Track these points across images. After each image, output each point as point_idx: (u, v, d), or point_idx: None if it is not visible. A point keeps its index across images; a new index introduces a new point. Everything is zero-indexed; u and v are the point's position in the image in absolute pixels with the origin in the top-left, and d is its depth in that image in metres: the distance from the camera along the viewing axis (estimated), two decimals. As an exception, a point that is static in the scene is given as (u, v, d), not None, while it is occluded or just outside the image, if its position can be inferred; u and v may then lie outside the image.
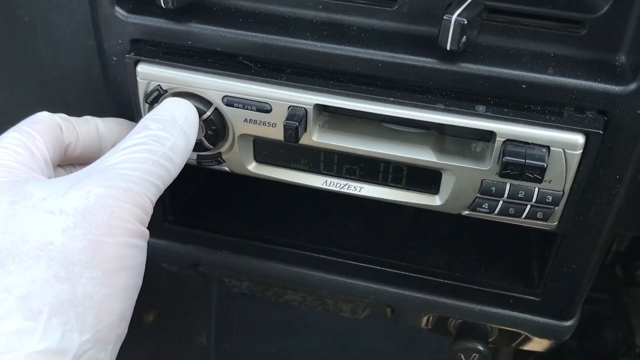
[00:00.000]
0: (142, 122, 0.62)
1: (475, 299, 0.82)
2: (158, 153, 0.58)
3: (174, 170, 0.60)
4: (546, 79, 0.60)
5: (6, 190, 0.53)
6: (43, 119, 0.64)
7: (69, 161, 0.67)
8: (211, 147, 0.69)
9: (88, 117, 0.69)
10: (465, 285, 0.81)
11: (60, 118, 0.65)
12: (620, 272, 1.80)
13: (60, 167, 0.68)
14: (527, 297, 0.80)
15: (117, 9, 0.66)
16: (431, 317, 0.89)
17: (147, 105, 0.69)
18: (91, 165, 0.58)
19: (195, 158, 0.71)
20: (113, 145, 0.65)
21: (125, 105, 0.72)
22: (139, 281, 0.56)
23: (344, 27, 0.65)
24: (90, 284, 0.51)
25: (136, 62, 0.67)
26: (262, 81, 0.65)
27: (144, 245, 0.56)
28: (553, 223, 0.67)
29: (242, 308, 1.47)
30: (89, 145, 0.67)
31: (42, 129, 0.62)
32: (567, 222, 0.67)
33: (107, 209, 0.53)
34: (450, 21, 0.57)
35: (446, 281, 0.81)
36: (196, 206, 0.89)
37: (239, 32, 0.65)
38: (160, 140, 0.59)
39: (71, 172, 0.67)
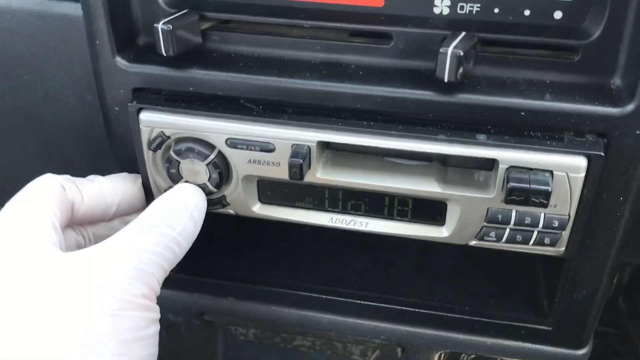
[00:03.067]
0: (155, 203, 0.66)
1: (486, 332, 0.81)
2: (168, 237, 0.62)
3: (181, 253, 0.64)
4: (544, 105, 0.62)
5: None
6: (47, 183, 0.65)
7: (76, 222, 0.68)
8: (215, 190, 0.70)
9: (91, 177, 0.70)
10: (475, 318, 0.80)
11: (63, 179, 0.67)
12: (623, 304, 1.79)
13: (69, 227, 0.68)
14: (538, 327, 0.79)
15: (119, 59, 0.67)
16: (443, 354, 0.87)
17: (150, 152, 0.69)
18: (106, 241, 0.61)
19: (200, 202, 0.72)
20: (119, 203, 0.70)
21: (129, 155, 0.72)
22: (153, 350, 0.60)
23: (342, 66, 0.67)
24: (108, 353, 0.54)
25: (139, 111, 0.68)
26: (264, 122, 0.66)
27: (157, 317, 0.60)
28: (560, 248, 0.68)
29: (249, 358, 1.45)
30: (95, 205, 0.68)
31: (48, 194, 0.64)
32: (574, 247, 0.68)
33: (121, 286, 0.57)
34: (446, 54, 0.59)
35: (456, 315, 0.81)
36: (200, 253, 0.88)
37: (240, 75, 0.66)
38: (171, 224, 0.63)
39: (80, 233, 0.68)
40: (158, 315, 0.61)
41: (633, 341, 1.69)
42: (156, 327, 0.61)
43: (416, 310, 0.81)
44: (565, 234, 0.66)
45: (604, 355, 1.65)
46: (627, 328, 1.72)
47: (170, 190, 0.68)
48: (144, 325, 0.58)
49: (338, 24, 0.66)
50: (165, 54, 0.64)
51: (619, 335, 1.70)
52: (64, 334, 0.53)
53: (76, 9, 0.76)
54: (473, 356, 0.86)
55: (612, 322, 1.69)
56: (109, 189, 0.70)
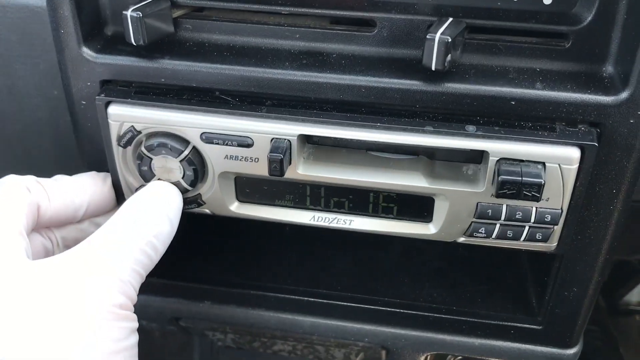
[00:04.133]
0: (127, 204, 0.62)
1: (474, 333, 0.78)
2: (144, 241, 0.59)
3: (157, 257, 0.61)
4: (535, 94, 0.59)
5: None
6: (11, 186, 0.61)
7: (42, 225, 0.64)
8: (190, 188, 0.66)
9: (58, 177, 0.66)
10: (463, 318, 0.78)
11: (28, 181, 0.62)
12: (603, 301, 1.79)
13: (35, 231, 0.64)
14: (527, 326, 0.77)
15: (85, 49, 0.63)
16: (429, 356, 0.84)
17: (120, 148, 0.65)
18: (77, 249, 0.57)
19: (174, 201, 0.68)
20: (88, 204, 0.65)
21: (97, 152, 0.68)
22: None
23: (323, 55, 0.63)
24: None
25: (107, 104, 0.64)
26: (241, 115, 0.62)
27: (136, 326, 0.58)
28: (552, 244, 0.65)
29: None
30: (62, 207, 0.64)
31: (12, 198, 0.60)
32: (566, 242, 0.65)
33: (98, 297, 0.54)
34: (434, 40, 0.56)
35: (442, 316, 0.78)
36: (174, 255, 0.84)
37: (215, 66, 0.62)
38: (146, 228, 0.60)
39: (47, 236, 0.64)
40: (137, 325, 0.58)
41: (613, 338, 1.69)
42: (136, 337, 0.58)
43: (401, 311, 0.78)
44: (558, 228, 0.63)
45: (585, 352, 1.64)
46: (607, 325, 1.72)
47: (143, 189, 0.64)
48: (124, 336, 0.55)
49: (318, 11, 0.62)
50: (134, 43, 0.61)
51: (599, 333, 1.70)
52: (43, 351, 0.50)
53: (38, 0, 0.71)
54: (460, 358, 0.84)
55: (591, 319, 1.69)
56: (77, 189, 0.66)
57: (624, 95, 0.58)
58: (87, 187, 0.67)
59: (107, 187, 0.69)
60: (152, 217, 0.61)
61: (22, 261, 0.55)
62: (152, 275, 0.82)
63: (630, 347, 1.68)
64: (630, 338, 1.74)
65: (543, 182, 0.58)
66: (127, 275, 0.56)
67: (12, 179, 0.62)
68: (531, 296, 0.79)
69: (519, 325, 0.77)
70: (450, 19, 0.58)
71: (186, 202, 0.68)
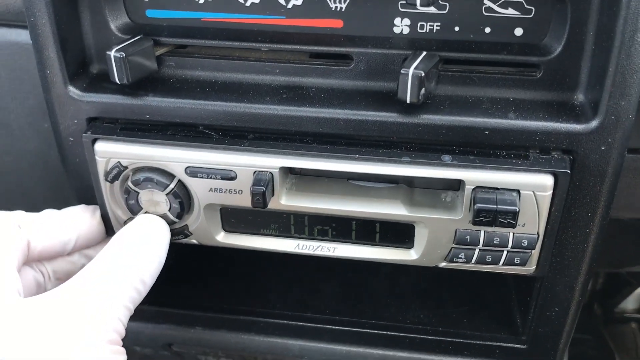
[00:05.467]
0: (115, 239, 0.63)
1: (460, 353, 0.79)
2: (132, 277, 0.60)
3: (145, 291, 0.62)
4: (508, 123, 0.61)
5: None
6: (1, 223, 0.62)
7: (33, 259, 0.66)
8: (177, 220, 0.67)
9: (47, 211, 0.68)
10: (449, 339, 0.79)
11: (17, 217, 0.64)
12: (599, 309, 1.79)
13: (26, 264, 0.65)
14: (512, 345, 0.78)
15: (71, 88, 0.65)
16: (417, 376, 0.86)
17: (107, 183, 0.67)
18: (68, 286, 0.58)
19: (161, 233, 0.69)
20: (78, 237, 0.67)
21: (86, 186, 0.70)
22: None
23: (302, 89, 0.65)
24: None
25: (94, 141, 0.65)
26: (224, 149, 0.64)
27: (124, 359, 0.58)
28: (531, 267, 0.67)
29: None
30: (51, 241, 0.66)
31: (3, 236, 0.61)
32: (544, 266, 0.67)
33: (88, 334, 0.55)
34: (407, 74, 0.57)
35: (429, 337, 0.79)
36: (166, 283, 0.85)
37: (198, 102, 0.64)
38: (134, 264, 0.61)
39: (39, 270, 0.66)
40: (125, 357, 0.59)
41: (608, 345, 1.70)
42: None
43: (388, 333, 0.80)
44: (535, 252, 0.65)
45: (580, 362, 1.65)
46: (602, 333, 1.72)
47: (131, 224, 0.66)
48: None
49: (297, 47, 0.64)
50: (119, 82, 0.62)
51: (594, 341, 1.71)
52: None
53: (28, 37, 0.73)
54: (448, 377, 0.85)
55: (587, 328, 1.69)
56: (66, 223, 0.67)
57: (594, 123, 0.59)
58: (76, 221, 0.69)
59: (96, 220, 0.70)
60: (141, 254, 0.62)
61: (15, 300, 0.56)
62: (144, 302, 0.83)
63: (625, 355, 1.69)
64: (626, 346, 1.74)
65: (517, 209, 0.60)
66: (118, 312, 0.57)
67: (1, 216, 0.64)
68: (516, 316, 0.81)
69: (503, 344, 0.78)
70: (424, 53, 0.60)
71: (173, 233, 0.69)
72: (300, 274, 0.88)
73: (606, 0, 0.57)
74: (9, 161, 0.86)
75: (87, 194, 0.71)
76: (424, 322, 0.81)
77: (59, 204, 0.73)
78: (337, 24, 0.65)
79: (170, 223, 0.68)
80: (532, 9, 0.61)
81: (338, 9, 0.64)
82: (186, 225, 0.69)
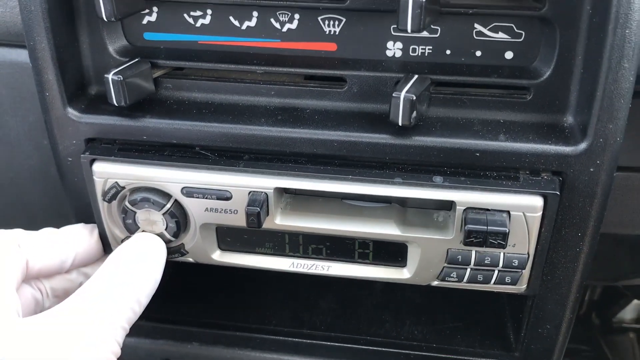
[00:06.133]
0: (114, 260, 0.64)
1: (454, 369, 0.80)
2: (128, 297, 0.61)
3: (140, 311, 0.63)
4: (499, 145, 0.62)
5: None
6: (1, 243, 0.63)
7: (31, 277, 0.66)
8: (173, 239, 0.69)
9: (45, 230, 0.69)
10: (443, 355, 0.80)
11: (17, 235, 0.65)
12: (596, 320, 1.80)
13: (25, 282, 0.67)
14: (506, 361, 0.79)
15: (70, 110, 0.66)
16: (412, 391, 0.87)
17: (105, 203, 0.68)
18: (65, 307, 0.58)
19: (158, 252, 0.70)
20: (76, 256, 0.68)
21: (84, 205, 0.71)
22: None
23: (297, 111, 0.66)
24: None
25: (92, 161, 0.67)
26: (220, 169, 0.65)
27: None
28: (522, 286, 0.67)
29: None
30: (50, 259, 0.67)
31: (3, 256, 0.62)
32: (535, 284, 0.68)
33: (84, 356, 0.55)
34: (399, 98, 0.59)
35: (423, 353, 0.80)
36: (163, 299, 0.86)
37: (194, 123, 0.65)
38: (130, 283, 0.62)
39: (37, 287, 0.67)
40: None
41: (606, 356, 1.70)
42: None
43: (383, 349, 0.80)
44: (526, 272, 0.66)
45: (577, 373, 1.65)
46: (600, 343, 1.73)
47: (128, 242, 0.67)
48: None
49: (292, 69, 0.65)
50: (117, 104, 0.63)
51: (592, 352, 1.71)
52: None
53: (28, 57, 0.74)
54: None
55: (585, 338, 1.70)
56: (64, 242, 0.68)
57: (583, 145, 0.60)
58: (74, 239, 0.70)
59: (94, 239, 0.71)
60: (137, 273, 0.63)
61: (14, 321, 0.57)
62: (142, 318, 0.84)
63: (623, 365, 1.70)
64: (624, 356, 1.75)
65: (507, 230, 0.61)
66: (114, 333, 0.58)
67: (1, 235, 0.65)
68: (509, 332, 0.82)
69: (497, 360, 0.79)
70: (416, 76, 0.61)
71: (170, 251, 0.70)
72: (296, 290, 0.89)
73: (594, 26, 0.58)
74: (10, 177, 0.87)
75: (85, 213, 0.72)
76: (419, 338, 0.82)
77: (59, 219, 0.74)
78: (331, 47, 0.66)
79: (167, 242, 0.69)
80: (522, 33, 0.62)
81: (332, 33, 0.65)
82: (182, 244, 0.70)
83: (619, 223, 0.85)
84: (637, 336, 1.76)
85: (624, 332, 1.80)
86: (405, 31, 0.56)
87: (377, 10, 0.61)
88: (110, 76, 0.62)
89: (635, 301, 1.70)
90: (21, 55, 0.77)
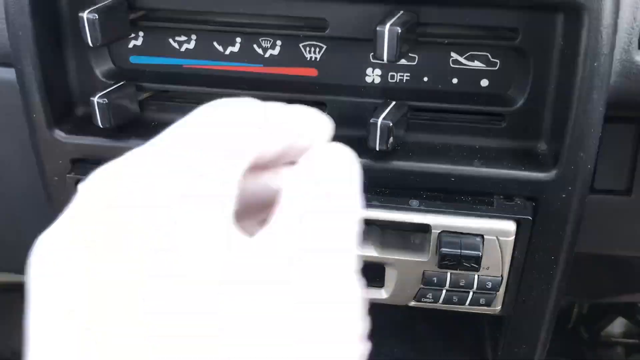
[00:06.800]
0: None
1: (433, 386, 0.82)
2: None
3: None
4: (474, 170, 0.63)
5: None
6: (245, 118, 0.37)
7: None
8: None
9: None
10: (423, 372, 0.81)
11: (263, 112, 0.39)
12: (585, 334, 1.81)
13: None
14: (483, 380, 0.80)
15: (57, 131, 0.68)
16: (393, 407, 0.88)
17: (90, 222, 0.69)
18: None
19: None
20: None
21: (69, 223, 0.72)
22: None
23: (278, 134, 0.68)
24: None
25: (77, 181, 0.68)
26: (202, 191, 0.66)
27: None
28: (496, 307, 0.69)
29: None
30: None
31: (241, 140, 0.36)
32: (509, 306, 0.69)
33: None
34: (377, 124, 0.60)
35: (403, 370, 0.82)
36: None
37: (177, 145, 0.67)
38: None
39: None
40: None
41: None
42: None
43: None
44: (500, 294, 0.67)
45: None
46: (588, 358, 1.74)
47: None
48: None
49: (274, 93, 0.67)
50: (102, 126, 0.65)
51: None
52: None
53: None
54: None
55: (573, 352, 1.71)
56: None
57: (555, 172, 0.62)
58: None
59: None
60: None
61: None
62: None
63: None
64: (612, 371, 1.76)
65: (480, 254, 0.62)
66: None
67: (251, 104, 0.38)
68: (487, 350, 0.83)
69: (475, 379, 0.81)
70: (394, 103, 0.63)
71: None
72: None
73: (565, 58, 0.60)
74: (2, 195, 0.89)
75: (71, 231, 0.73)
76: (398, 356, 0.83)
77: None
78: (312, 72, 0.68)
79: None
80: (497, 62, 0.64)
81: (313, 59, 0.67)
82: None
83: (598, 243, 0.87)
84: (626, 350, 1.77)
85: (613, 347, 1.81)
86: (382, 60, 0.58)
87: (356, 38, 0.63)
88: (95, 99, 0.64)
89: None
90: (9, 73, 0.77)
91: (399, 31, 0.56)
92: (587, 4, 0.55)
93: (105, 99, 0.64)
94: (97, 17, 0.60)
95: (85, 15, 0.60)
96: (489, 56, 0.64)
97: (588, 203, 0.76)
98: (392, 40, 0.56)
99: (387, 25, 0.56)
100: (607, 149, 0.78)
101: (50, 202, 0.73)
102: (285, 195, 0.34)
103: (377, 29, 0.57)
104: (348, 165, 0.40)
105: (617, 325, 1.79)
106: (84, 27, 0.61)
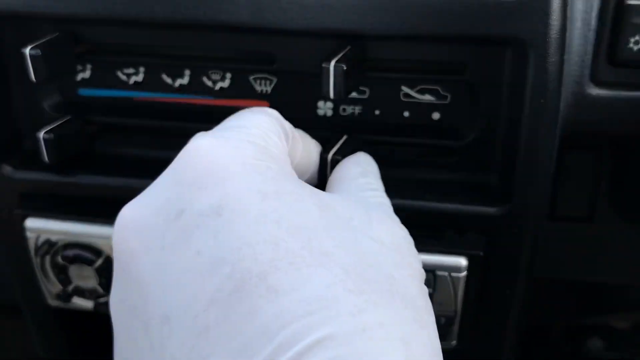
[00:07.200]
0: (354, 162, 0.56)
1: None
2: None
3: None
4: (425, 205, 0.63)
5: (294, 185, 0.42)
6: (275, 114, 0.50)
7: None
8: (106, 293, 0.69)
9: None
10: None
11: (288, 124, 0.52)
12: (567, 348, 1.80)
13: None
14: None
15: (4, 166, 0.67)
16: None
17: (38, 258, 0.68)
18: (346, 191, 0.51)
19: (92, 306, 0.70)
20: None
21: (18, 258, 0.71)
22: None
23: (230, 167, 0.67)
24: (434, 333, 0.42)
25: (24, 217, 0.67)
26: (151, 227, 0.65)
27: None
28: (452, 341, 0.68)
29: None
30: (302, 166, 0.56)
31: (280, 125, 0.50)
32: (465, 340, 0.68)
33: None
34: (327, 159, 0.59)
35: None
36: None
37: (126, 179, 0.66)
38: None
39: None
40: None
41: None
42: None
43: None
44: (454, 328, 0.67)
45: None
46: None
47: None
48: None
49: (226, 125, 0.66)
50: (48, 161, 0.64)
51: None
52: (396, 302, 0.38)
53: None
54: None
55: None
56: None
57: (506, 207, 0.61)
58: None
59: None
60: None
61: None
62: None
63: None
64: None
65: (431, 291, 0.62)
66: None
67: (275, 111, 0.51)
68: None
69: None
70: (345, 136, 0.62)
71: (104, 305, 0.70)
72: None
73: (514, 93, 0.59)
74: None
75: (20, 265, 0.72)
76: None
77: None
78: (264, 104, 0.67)
79: (101, 296, 0.69)
80: (447, 95, 0.64)
81: (264, 91, 0.66)
82: (117, 298, 0.70)
83: (559, 269, 0.87)
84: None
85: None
86: (328, 98, 0.57)
87: (305, 73, 0.63)
88: (41, 135, 0.63)
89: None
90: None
91: (345, 68, 0.55)
92: (531, 41, 0.55)
93: (52, 134, 0.63)
94: (40, 53, 0.59)
95: (28, 51, 0.59)
96: (440, 90, 0.63)
97: (549, 230, 0.76)
98: (337, 78, 0.56)
99: (333, 62, 0.55)
100: (568, 176, 0.78)
101: (-1, 237, 0.72)
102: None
103: (323, 65, 0.56)
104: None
105: (598, 341, 1.79)
106: (28, 63, 0.59)
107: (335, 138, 0.62)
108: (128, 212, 0.43)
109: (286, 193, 0.40)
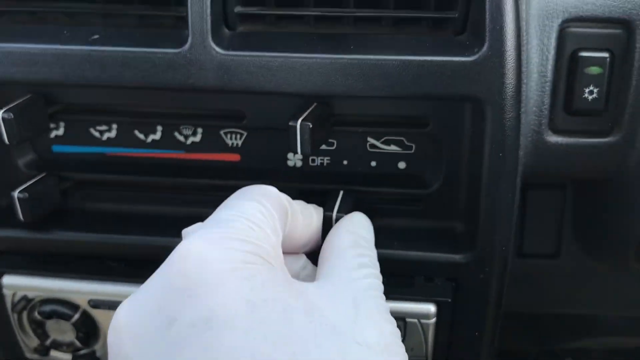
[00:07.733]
0: (346, 230, 0.56)
1: None
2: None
3: None
4: (393, 253, 0.64)
5: (281, 290, 0.43)
6: (273, 194, 0.52)
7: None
8: (83, 347, 0.70)
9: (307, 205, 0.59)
10: None
11: (286, 200, 0.54)
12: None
13: None
14: None
15: (-20, 226, 0.68)
16: None
17: (15, 314, 0.69)
18: (336, 274, 0.50)
19: (70, 358, 0.71)
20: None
21: (-3, 312, 0.72)
22: None
23: (203, 220, 0.68)
24: None
25: (1, 274, 0.68)
26: (127, 281, 0.67)
27: None
28: (424, 384, 0.70)
29: None
30: (304, 238, 0.58)
31: (276, 208, 0.51)
32: (437, 382, 0.70)
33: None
34: (331, 218, 0.61)
35: None
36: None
37: (102, 235, 0.67)
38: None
39: None
40: None
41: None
42: None
43: None
44: (426, 372, 0.68)
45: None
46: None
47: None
48: None
49: (196, 180, 0.68)
50: (23, 220, 0.65)
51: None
52: None
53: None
54: None
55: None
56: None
57: (472, 254, 0.63)
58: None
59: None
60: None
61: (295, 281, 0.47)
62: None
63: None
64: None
65: (402, 337, 0.63)
66: None
67: (274, 190, 0.54)
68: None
69: None
70: (342, 192, 0.64)
71: (81, 358, 0.71)
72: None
73: (474, 145, 0.61)
74: None
75: (-2, 319, 0.73)
76: None
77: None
78: (235, 157, 0.68)
79: (78, 349, 0.70)
80: (412, 146, 0.66)
81: (235, 145, 0.68)
82: (94, 351, 0.71)
83: (526, 304, 0.89)
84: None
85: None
86: (297, 154, 0.59)
87: (274, 128, 0.64)
88: (16, 194, 0.64)
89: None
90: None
91: (311, 126, 0.57)
92: (488, 99, 0.57)
93: (26, 193, 0.64)
94: (12, 117, 0.60)
95: (0, 114, 0.60)
96: (405, 140, 0.65)
97: (517, 266, 0.78)
98: (304, 135, 0.57)
99: (299, 121, 0.57)
100: (533, 214, 0.80)
101: (-24, 293, 0.73)
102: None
103: (290, 124, 0.58)
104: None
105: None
106: (0, 126, 0.61)
107: (304, 188, 0.64)
108: (123, 315, 0.44)
109: (274, 301, 0.41)
